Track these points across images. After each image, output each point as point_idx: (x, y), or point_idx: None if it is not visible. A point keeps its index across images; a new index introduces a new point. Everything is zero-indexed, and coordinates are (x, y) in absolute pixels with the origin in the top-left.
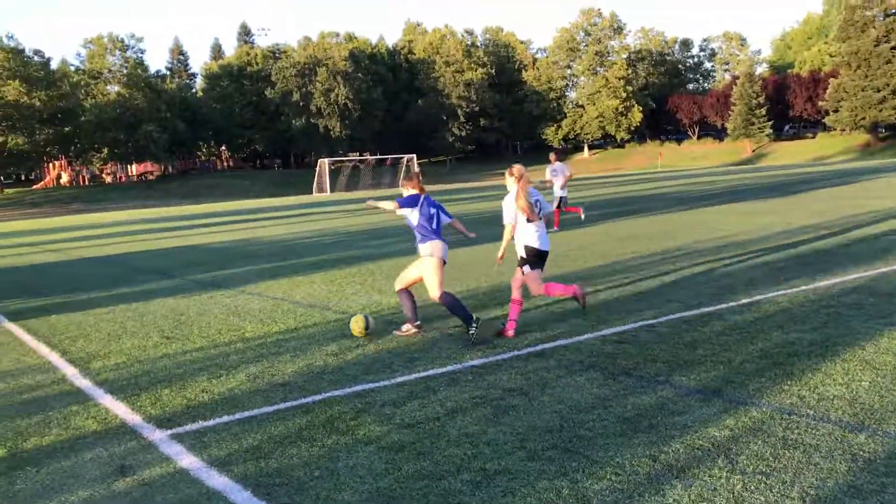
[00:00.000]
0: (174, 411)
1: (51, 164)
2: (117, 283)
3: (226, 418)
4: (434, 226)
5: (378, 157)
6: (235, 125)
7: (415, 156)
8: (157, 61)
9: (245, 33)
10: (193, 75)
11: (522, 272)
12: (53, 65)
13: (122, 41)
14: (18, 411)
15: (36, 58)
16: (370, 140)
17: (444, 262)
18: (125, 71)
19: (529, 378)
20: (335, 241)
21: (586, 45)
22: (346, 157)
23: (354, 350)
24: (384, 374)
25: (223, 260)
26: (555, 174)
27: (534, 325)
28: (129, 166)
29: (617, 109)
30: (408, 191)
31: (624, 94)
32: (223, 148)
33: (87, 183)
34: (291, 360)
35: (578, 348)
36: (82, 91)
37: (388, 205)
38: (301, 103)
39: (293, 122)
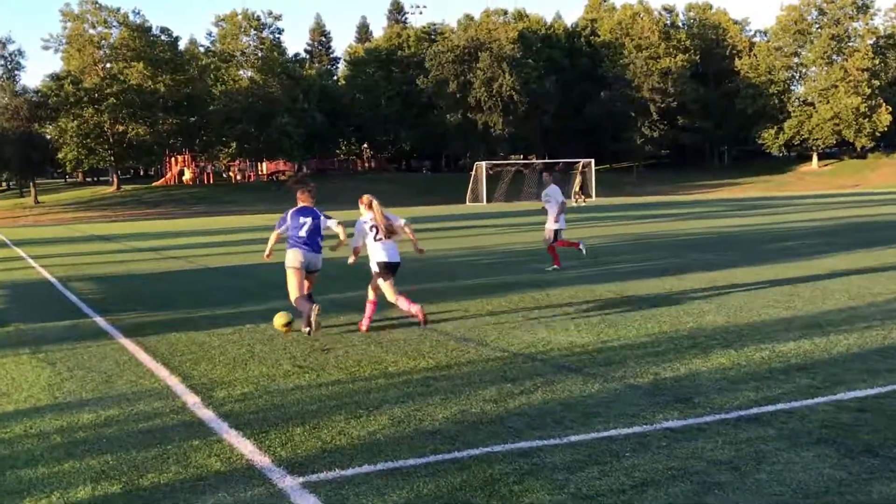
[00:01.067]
0: (308, 455)
1: (173, 159)
2: (245, 299)
3: (366, 468)
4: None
5: (546, 160)
6: (381, 119)
7: (592, 160)
8: (295, 43)
9: (397, 11)
10: (335, 60)
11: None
12: (181, 45)
13: (259, 19)
14: (134, 442)
15: (163, 37)
16: (538, 140)
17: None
18: (260, 54)
19: (741, 449)
20: (493, 261)
21: (820, 28)
22: (507, 160)
23: (518, 397)
24: (555, 431)
25: (362, 278)
26: (547, 201)
27: (747, 381)
28: (258, 164)
29: (858, 109)
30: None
31: (868, 91)
32: (365, 146)
33: (211, 181)
34: (442, 403)
35: (805, 415)
36: (211, 76)
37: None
38: (458, 94)
39: (447, 116)
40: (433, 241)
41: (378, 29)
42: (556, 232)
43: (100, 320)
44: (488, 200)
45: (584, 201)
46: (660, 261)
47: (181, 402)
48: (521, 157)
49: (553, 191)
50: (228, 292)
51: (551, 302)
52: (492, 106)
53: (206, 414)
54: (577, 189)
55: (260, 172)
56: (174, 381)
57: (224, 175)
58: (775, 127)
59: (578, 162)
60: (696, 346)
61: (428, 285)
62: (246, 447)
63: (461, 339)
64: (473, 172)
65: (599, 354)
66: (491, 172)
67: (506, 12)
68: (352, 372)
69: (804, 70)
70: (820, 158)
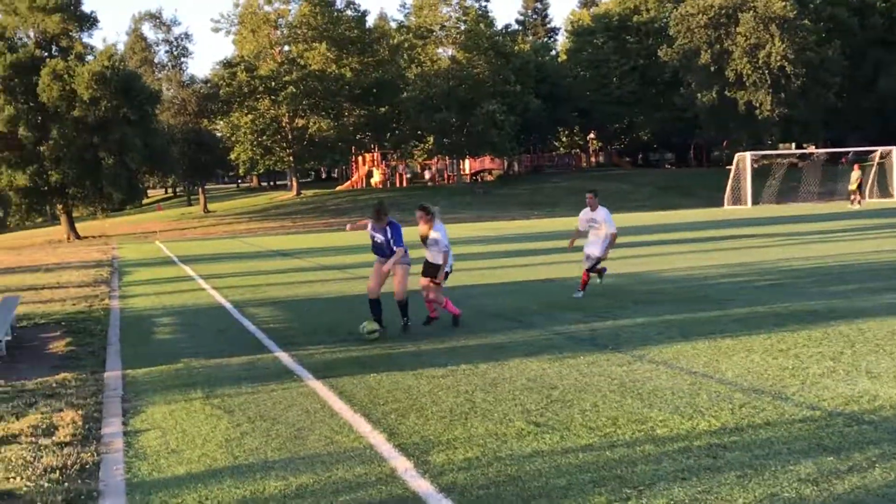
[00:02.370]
0: None
1: (360, 158)
2: (454, 330)
3: None
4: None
5: (830, 150)
6: (611, 102)
7: (894, 149)
8: (505, 12)
9: None
10: (554, 31)
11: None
12: (369, 21)
13: None
14: None
15: (348, 11)
16: (818, 123)
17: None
18: (463, 27)
19: None
20: (773, 282)
21: None
22: (776, 149)
23: (846, 477)
24: None
25: (606, 304)
26: (593, 226)
27: None
28: (459, 162)
29: None
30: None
31: None
32: (591, 136)
33: (405, 184)
34: (739, 482)
35: None
36: (404, 56)
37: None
38: (711, 67)
39: (697, 96)
40: (687, 256)
41: None
42: (598, 260)
43: (283, 356)
44: (754, 202)
45: (861, 203)
46: None
47: (389, 468)
48: (794, 145)
49: (603, 214)
50: (434, 323)
51: (869, 339)
52: (757, 81)
53: (423, 486)
54: (854, 187)
55: (462, 172)
56: (378, 439)
57: (419, 175)
58: None
59: (874, 151)
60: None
61: (691, 313)
62: None
63: (750, 391)
64: (734, 166)
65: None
66: (756, 166)
67: None
68: (606, 433)
69: None
70: None
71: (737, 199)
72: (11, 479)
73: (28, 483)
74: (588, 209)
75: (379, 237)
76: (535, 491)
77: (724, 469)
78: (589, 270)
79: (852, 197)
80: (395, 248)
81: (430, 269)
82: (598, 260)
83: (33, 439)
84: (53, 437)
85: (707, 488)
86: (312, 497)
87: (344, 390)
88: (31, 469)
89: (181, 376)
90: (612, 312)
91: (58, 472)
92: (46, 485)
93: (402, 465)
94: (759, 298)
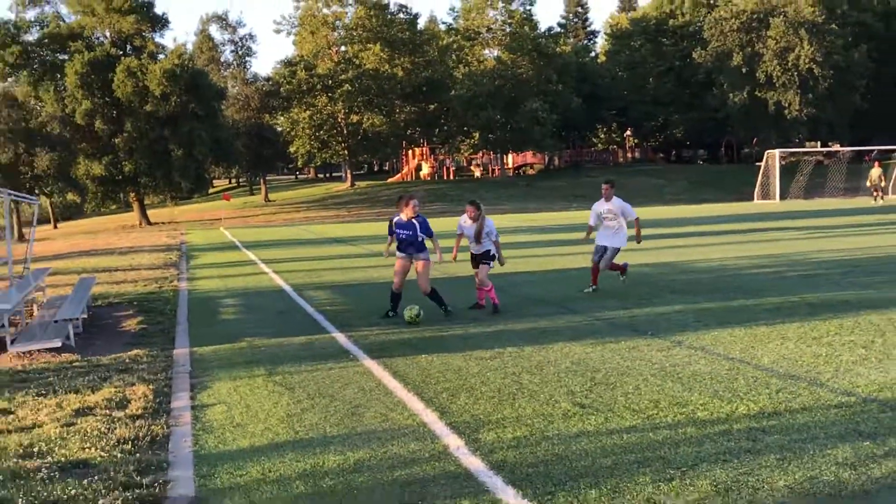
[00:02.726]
0: None
1: (409, 152)
2: (500, 315)
3: None
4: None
5: (855, 148)
6: (647, 101)
7: None
8: (548, 16)
9: None
10: (594, 34)
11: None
12: (420, 24)
13: None
14: (390, 495)
15: (401, 14)
16: (844, 124)
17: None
18: (508, 29)
19: None
20: (804, 273)
21: None
22: (803, 147)
23: (883, 461)
24: None
25: (645, 292)
26: (607, 217)
27: None
28: (503, 156)
29: None
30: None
31: None
32: (628, 133)
33: (452, 177)
34: (779, 465)
35: None
36: (453, 57)
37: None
38: (743, 69)
39: (729, 96)
40: (722, 247)
41: None
42: (615, 251)
43: (340, 337)
44: (782, 197)
45: (883, 199)
46: None
47: (442, 446)
48: (821, 144)
49: (619, 205)
50: (479, 309)
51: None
52: (786, 82)
53: (474, 463)
54: (876, 180)
55: (505, 165)
56: (431, 417)
57: (465, 169)
58: None
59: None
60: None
61: (726, 302)
62: None
63: (786, 377)
64: (763, 163)
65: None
66: (784, 163)
67: None
68: (649, 416)
69: None
70: None
71: (766, 194)
72: (87, 450)
73: (102, 453)
74: (603, 200)
75: (404, 233)
76: (583, 470)
77: (764, 452)
78: (603, 267)
79: (875, 193)
80: (424, 237)
81: (478, 257)
82: (616, 251)
83: (107, 412)
84: (126, 410)
85: (748, 470)
86: (369, 472)
87: (397, 370)
88: (105, 440)
89: (245, 354)
90: (651, 300)
91: (130, 443)
92: (119, 455)
93: (454, 442)
94: (791, 289)
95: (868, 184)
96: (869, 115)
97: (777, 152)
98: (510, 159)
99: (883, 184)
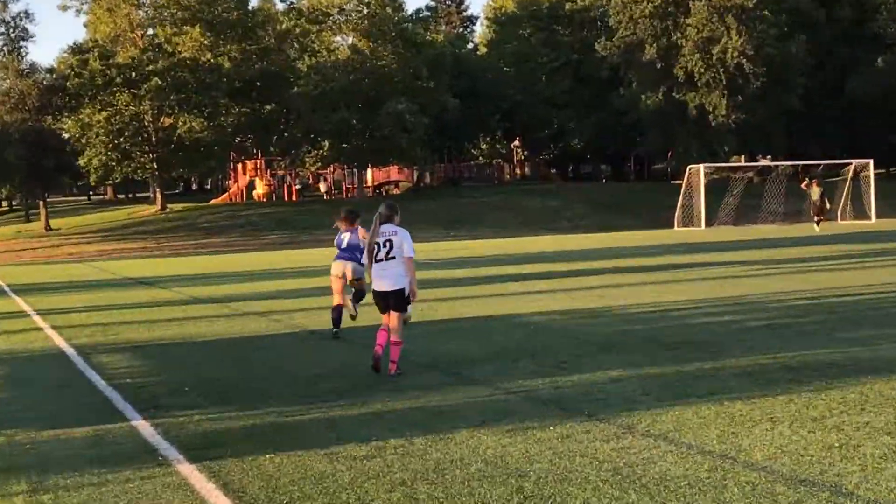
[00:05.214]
0: None
1: (240, 166)
2: (376, 385)
3: None
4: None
5: (797, 162)
6: (539, 103)
7: (871, 162)
8: None
9: None
10: (471, 20)
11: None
12: (252, 2)
13: None
14: None
15: None
16: (779, 131)
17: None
18: (365, 11)
19: None
20: (767, 322)
21: None
22: (731, 161)
23: None
24: None
25: (565, 351)
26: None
27: None
28: (361, 172)
29: None
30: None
31: None
32: (516, 143)
33: (295, 197)
34: None
35: None
36: (295, 45)
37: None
38: (658, 64)
39: (641, 98)
40: (642, 289)
41: None
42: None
43: (143, 426)
44: (708, 223)
45: (820, 223)
46: None
47: None
48: (755, 156)
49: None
50: (346, 374)
51: None
52: (710, 81)
53: None
54: (817, 199)
55: (364, 184)
56: None
57: (312, 186)
58: None
59: (849, 164)
60: None
61: (677, 364)
62: None
63: (794, 481)
64: (684, 181)
65: None
66: (708, 180)
67: None
68: None
69: None
70: None
71: (688, 220)
72: None
73: None
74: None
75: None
76: None
77: None
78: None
79: (816, 218)
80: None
81: (389, 297)
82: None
83: None
84: None
85: None
86: None
87: (231, 481)
88: None
89: (2, 456)
90: (576, 363)
91: None
92: None
93: None
94: (757, 344)
95: (811, 209)
96: (806, 120)
97: (702, 168)
98: (370, 175)
99: (828, 206)
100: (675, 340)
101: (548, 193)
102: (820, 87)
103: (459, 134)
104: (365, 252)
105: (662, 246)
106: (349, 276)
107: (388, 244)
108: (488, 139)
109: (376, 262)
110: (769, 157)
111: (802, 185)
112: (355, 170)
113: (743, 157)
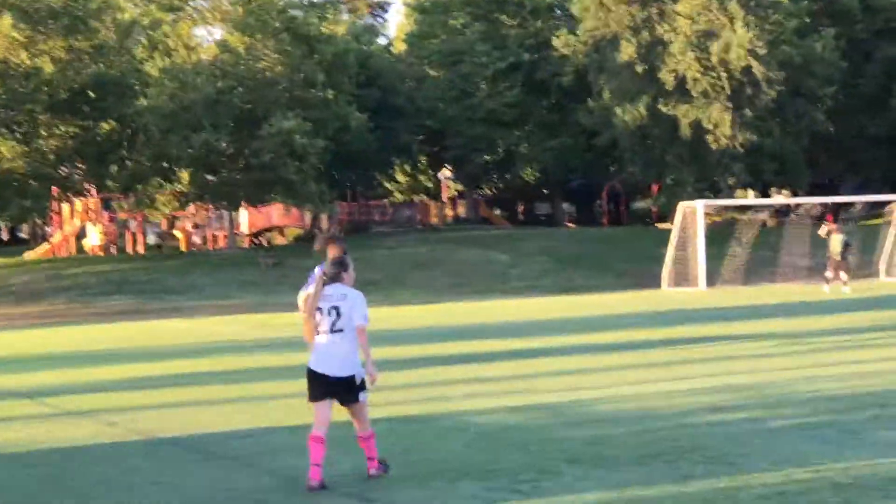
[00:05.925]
0: None
1: (65, 207)
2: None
3: None
4: None
5: (822, 199)
6: (478, 119)
7: None
8: None
9: None
10: (383, 6)
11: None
12: None
13: None
14: None
15: None
16: (799, 157)
17: None
18: None
19: None
20: (798, 422)
21: None
22: (737, 198)
23: None
24: None
25: (523, 463)
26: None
27: None
28: (233, 215)
29: None
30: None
31: None
32: (446, 174)
33: (143, 249)
34: None
35: None
36: (142, 40)
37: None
38: (637, 66)
39: (616, 111)
40: (622, 374)
41: None
42: None
43: None
44: (710, 282)
45: (830, 283)
46: None
47: None
48: (769, 191)
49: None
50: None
51: None
52: (708, 89)
53: None
54: (837, 253)
55: (237, 230)
56: None
57: (166, 234)
58: None
59: (894, 202)
60: None
61: (680, 484)
62: None
63: None
64: (677, 224)
65: None
66: (709, 223)
67: None
68: None
69: None
70: None
71: (682, 278)
72: None
73: None
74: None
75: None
76: None
77: None
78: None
79: (832, 273)
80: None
81: (341, 387)
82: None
83: None
84: None
85: None
86: None
87: None
88: None
89: None
90: (539, 480)
91: None
92: None
93: None
94: (788, 453)
95: (828, 265)
96: (836, 141)
97: (700, 206)
98: (245, 219)
99: (850, 262)
100: (673, 448)
101: (491, 242)
102: (855, 98)
103: (368, 162)
104: (304, 320)
105: (648, 314)
106: None
107: (333, 312)
108: (408, 168)
109: (318, 333)
110: (788, 192)
111: (820, 232)
112: (224, 212)
113: (753, 192)
